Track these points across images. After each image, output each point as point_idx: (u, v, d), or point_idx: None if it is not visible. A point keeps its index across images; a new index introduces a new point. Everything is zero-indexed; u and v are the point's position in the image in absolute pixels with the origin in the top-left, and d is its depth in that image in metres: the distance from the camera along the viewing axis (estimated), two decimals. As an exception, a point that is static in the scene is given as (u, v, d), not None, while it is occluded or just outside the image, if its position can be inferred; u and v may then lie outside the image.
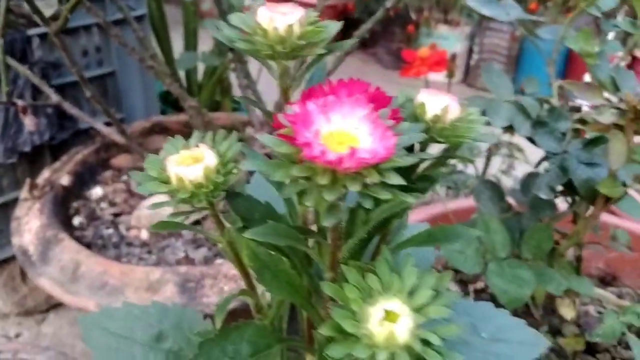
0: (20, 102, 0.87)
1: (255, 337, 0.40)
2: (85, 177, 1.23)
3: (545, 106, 0.74)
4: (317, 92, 0.36)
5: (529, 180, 0.83)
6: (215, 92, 1.60)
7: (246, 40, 0.35)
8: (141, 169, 1.24)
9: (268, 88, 1.26)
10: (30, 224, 1.06)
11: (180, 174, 0.34)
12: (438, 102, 0.38)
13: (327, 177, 0.26)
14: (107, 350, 0.45)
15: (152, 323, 0.47)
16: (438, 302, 0.29)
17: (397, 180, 0.27)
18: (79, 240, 1.08)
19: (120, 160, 1.29)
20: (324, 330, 0.28)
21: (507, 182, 1.40)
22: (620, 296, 1.06)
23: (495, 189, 0.87)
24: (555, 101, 0.76)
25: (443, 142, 0.38)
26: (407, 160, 0.28)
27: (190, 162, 0.34)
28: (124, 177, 1.27)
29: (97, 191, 1.21)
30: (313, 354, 0.44)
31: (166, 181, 0.34)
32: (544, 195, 0.68)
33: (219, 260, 1.05)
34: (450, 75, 1.02)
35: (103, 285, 0.95)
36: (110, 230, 1.12)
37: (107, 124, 1.13)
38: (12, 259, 1.29)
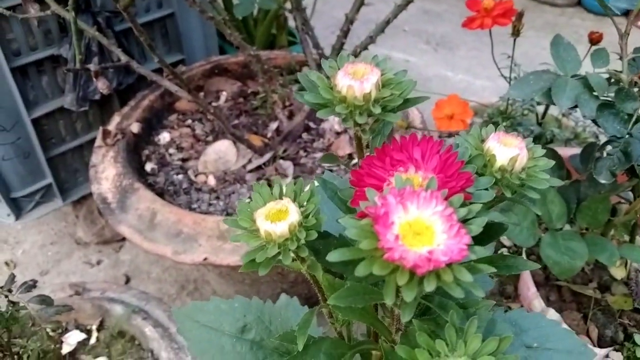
0: (93, 67, 0.92)
1: (331, 349, 0.46)
2: (152, 122, 1.29)
3: (613, 85, 0.72)
4: (390, 149, 0.39)
5: (589, 151, 0.83)
6: (272, 26, 1.60)
7: (327, 107, 0.38)
8: (203, 113, 1.29)
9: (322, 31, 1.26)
10: (106, 172, 1.15)
11: (269, 230, 0.38)
12: (507, 152, 0.40)
13: (406, 277, 0.30)
14: (199, 342, 0.53)
15: (237, 317, 0.54)
16: (497, 365, 0.34)
17: (468, 278, 0.30)
18: (152, 186, 1.17)
19: (184, 103, 1.34)
20: (397, 387, 0.33)
21: (569, 123, 1.38)
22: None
23: (555, 156, 0.87)
24: (625, 77, 0.74)
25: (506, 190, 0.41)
26: (479, 254, 0.31)
27: (277, 217, 0.38)
28: (189, 121, 1.32)
29: (164, 136, 1.27)
30: (379, 350, 0.50)
31: (256, 233, 0.39)
32: (604, 180, 0.69)
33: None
34: (517, 33, 0.99)
35: (178, 234, 1.04)
36: (180, 177, 1.19)
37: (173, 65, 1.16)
38: (89, 195, 1.40)
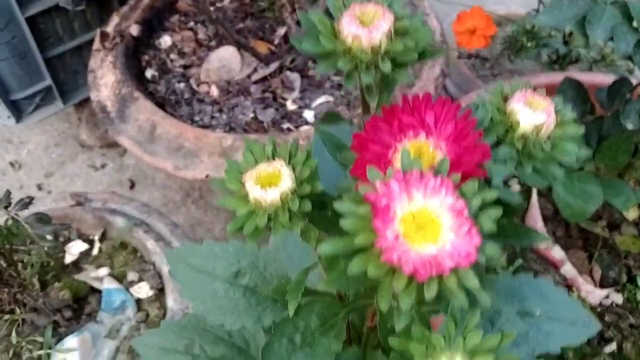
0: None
1: (323, 309, 0.44)
2: (153, 23, 1.21)
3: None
4: (399, 111, 0.34)
5: (618, 87, 0.77)
6: None
7: (330, 59, 0.32)
8: (205, 14, 1.19)
9: None
10: (105, 78, 1.09)
11: (258, 197, 0.34)
12: (533, 117, 0.35)
13: (403, 282, 0.27)
14: (192, 286, 0.51)
15: (231, 261, 0.51)
16: (497, 363, 0.31)
17: (474, 283, 0.27)
18: (152, 95, 1.12)
19: (186, 4, 1.25)
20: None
21: (597, 42, 1.28)
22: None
23: (580, 89, 0.81)
24: (672, 6, 0.66)
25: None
26: (490, 254, 0.27)
27: (268, 181, 0.35)
28: (191, 24, 1.24)
29: (165, 40, 1.20)
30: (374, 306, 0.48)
31: (245, 197, 0.35)
32: (631, 124, 0.64)
33: (285, 125, 1.07)
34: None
35: (179, 148, 1.00)
36: (182, 85, 1.14)
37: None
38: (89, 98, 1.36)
